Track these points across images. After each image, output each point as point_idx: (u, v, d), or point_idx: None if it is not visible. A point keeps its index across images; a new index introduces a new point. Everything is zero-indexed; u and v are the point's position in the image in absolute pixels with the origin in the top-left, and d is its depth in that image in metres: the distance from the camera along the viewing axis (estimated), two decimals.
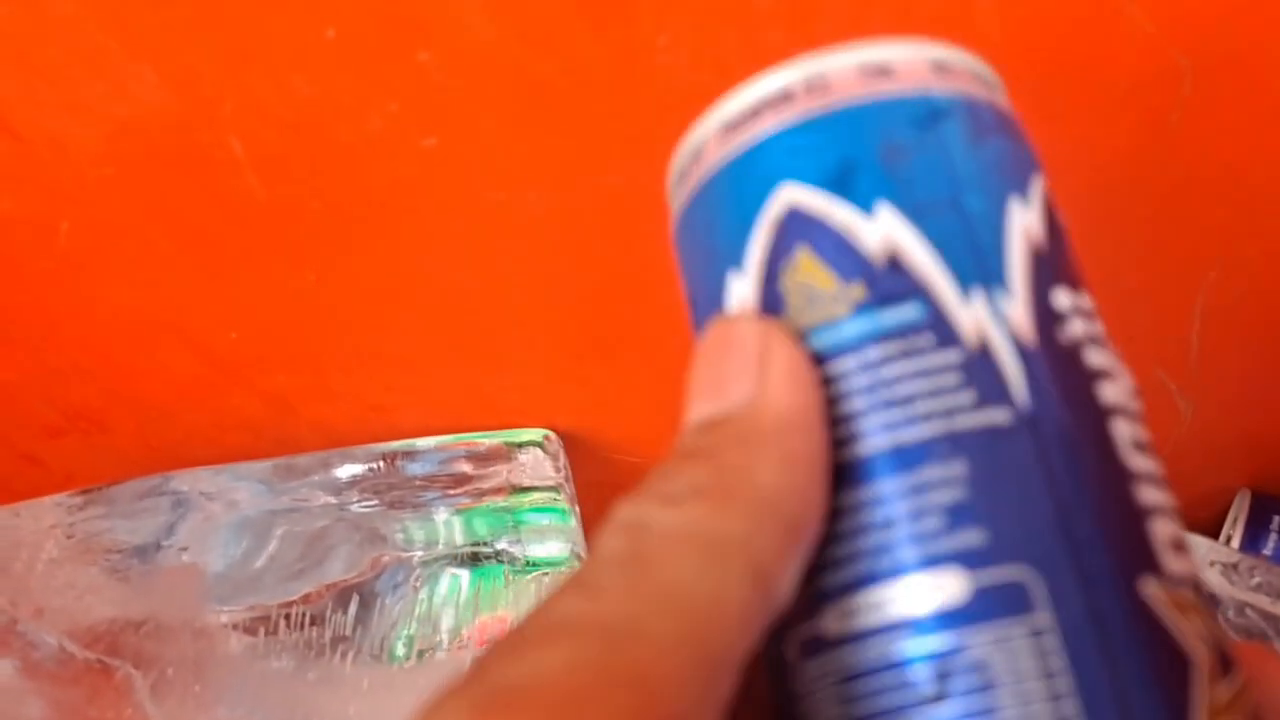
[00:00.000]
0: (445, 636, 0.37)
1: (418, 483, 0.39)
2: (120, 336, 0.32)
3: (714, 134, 0.15)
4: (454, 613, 0.37)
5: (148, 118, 0.24)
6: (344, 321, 0.32)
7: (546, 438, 0.38)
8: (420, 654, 0.37)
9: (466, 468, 0.39)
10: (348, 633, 0.36)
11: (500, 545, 0.38)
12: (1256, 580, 0.31)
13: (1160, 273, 0.31)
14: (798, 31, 0.24)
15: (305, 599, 0.37)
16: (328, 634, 0.36)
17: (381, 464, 0.38)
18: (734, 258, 0.15)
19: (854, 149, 0.14)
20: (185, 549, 0.37)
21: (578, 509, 0.37)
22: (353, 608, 0.37)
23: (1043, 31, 0.25)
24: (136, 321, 0.32)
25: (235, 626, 0.36)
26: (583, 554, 0.36)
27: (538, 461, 0.38)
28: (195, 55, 0.23)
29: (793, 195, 0.14)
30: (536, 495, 0.38)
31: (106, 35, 0.22)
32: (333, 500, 0.38)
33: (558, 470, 0.37)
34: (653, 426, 0.38)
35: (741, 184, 0.15)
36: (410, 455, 0.38)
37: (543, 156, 0.26)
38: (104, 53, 0.23)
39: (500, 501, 0.38)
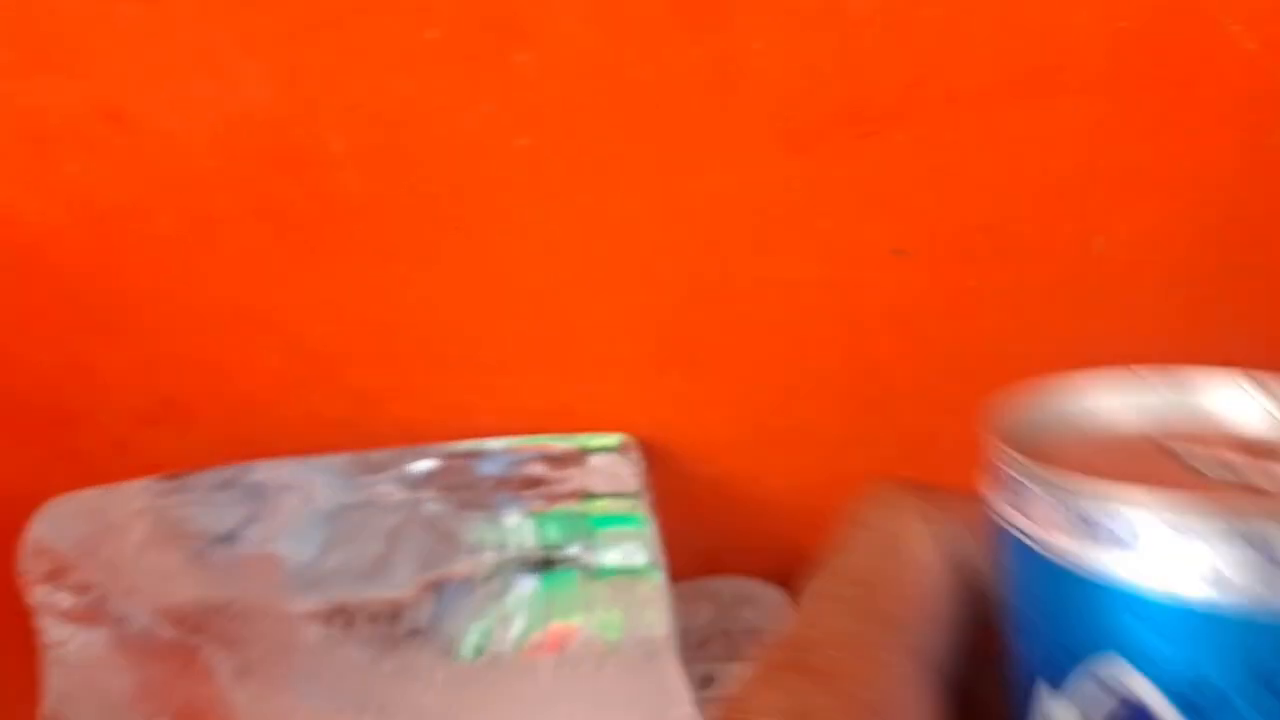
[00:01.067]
0: (515, 639, 0.37)
1: (489, 484, 0.39)
2: (214, 328, 0.33)
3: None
4: (525, 617, 0.38)
5: (253, 113, 0.25)
6: (429, 319, 0.33)
7: (624, 443, 0.38)
8: (490, 655, 0.37)
9: (540, 470, 0.39)
10: (422, 627, 0.37)
11: (572, 550, 0.38)
12: None
13: (1261, 295, 0.30)
14: (893, 35, 0.24)
15: (380, 595, 0.38)
16: (402, 629, 0.37)
17: (454, 462, 0.39)
18: (1055, 672, 0.13)
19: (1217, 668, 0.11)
20: (265, 539, 0.37)
21: (653, 515, 0.37)
22: (426, 605, 0.37)
23: (1144, 49, 0.25)
24: (231, 313, 0.32)
25: (313, 616, 0.37)
26: (659, 562, 0.36)
27: (615, 467, 0.38)
28: (301, 54, 0.24)
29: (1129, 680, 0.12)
30: (612, 501, 0.38)
31: (220, 33, 0.23)
32: (407, 497, 0.39)
33: (635, 476, 0.37)
34: (732, 436, 0.38)
35: (1091, 609, 0.12)
36: (482, 455, 0.39)
37: (636, 160, 0.26)
38: (217, 50, 0.23)
39: (574, 506, 0.39)
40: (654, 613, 0.35)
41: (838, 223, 0.28)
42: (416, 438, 0.38)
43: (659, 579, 0.35)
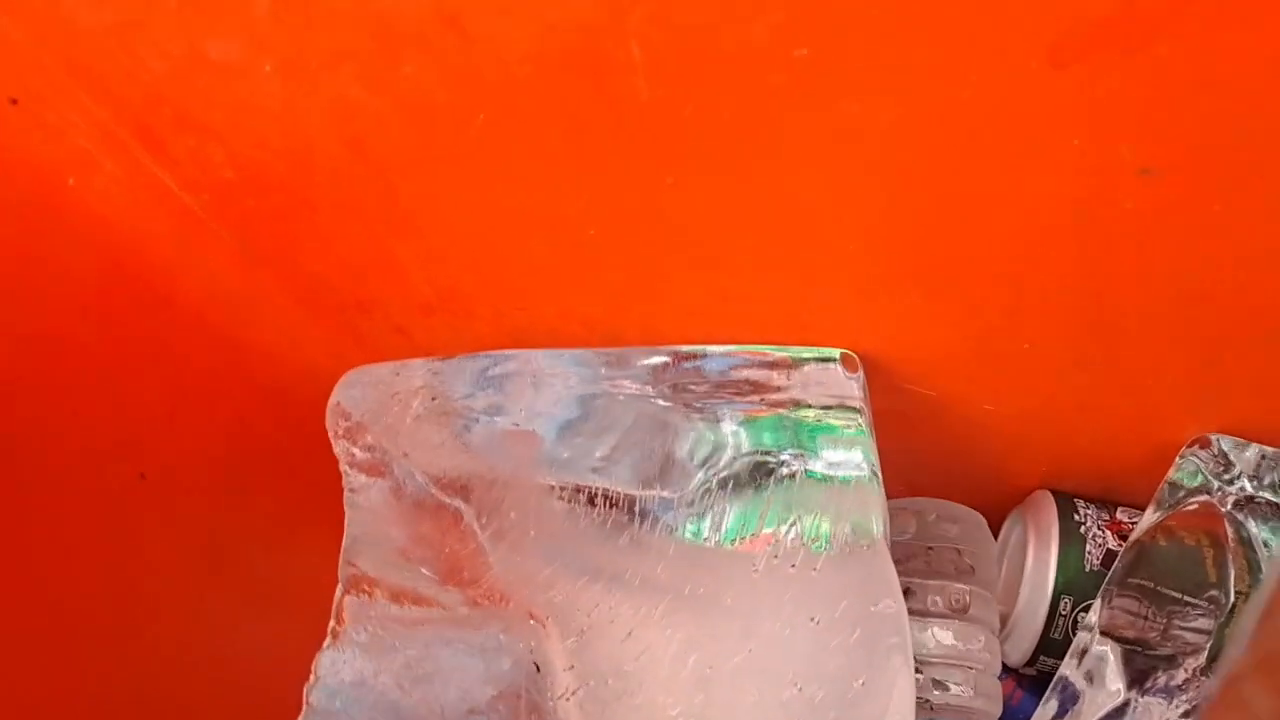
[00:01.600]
0: (732, 534, 0.40)
1: (708, 386, 0.42)
2: (499, 225, 0.38)
3: None
4: (740, 514, 0.41)
5: (568, 20, 0.29)
6: (687, 225, 0.36)
7: (846, 355, 0.41)
8: (711, 544, 0.40)
9: (758, 376, 0.42)
10: (650, 512, 0.41)
11: (786, 456, 0.41)
12: None
13: None
14: None
15: (611, 486, 0.42)
16: (636, 509, 0.41)
17: (680, 363, 0.42)
18: None
19: None
20: (520, 419, 0.42)
21: (870, 423, 0.40)
22: (652, 497, 0.41)
23: None
24: (515, 212, 0.37)
25: (559, 491, 0.42)
26: (877, 470, 0.39)
27: (834, 378, 0.41)
28: None
29: None
30: (830, 413, 0.40)
31: None
32: (639, 392, 0.43)
33: (857, 388, 0.40)
34: (951, 356, 0.40)
35: None
36: (705, 358, 0.42)
37: (897, 71, 0.28)
38: None
39: (791, 413, 0.41)
40: (869, 515, 0.38)
41: (1088, 140, 0.29)
42: (658, 339, 0.42)
43: (876, 486, 0.38)
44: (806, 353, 0.41)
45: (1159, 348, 0.36)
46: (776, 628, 0.37)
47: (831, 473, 0.39)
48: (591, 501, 0.41)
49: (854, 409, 0.40)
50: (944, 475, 0.46)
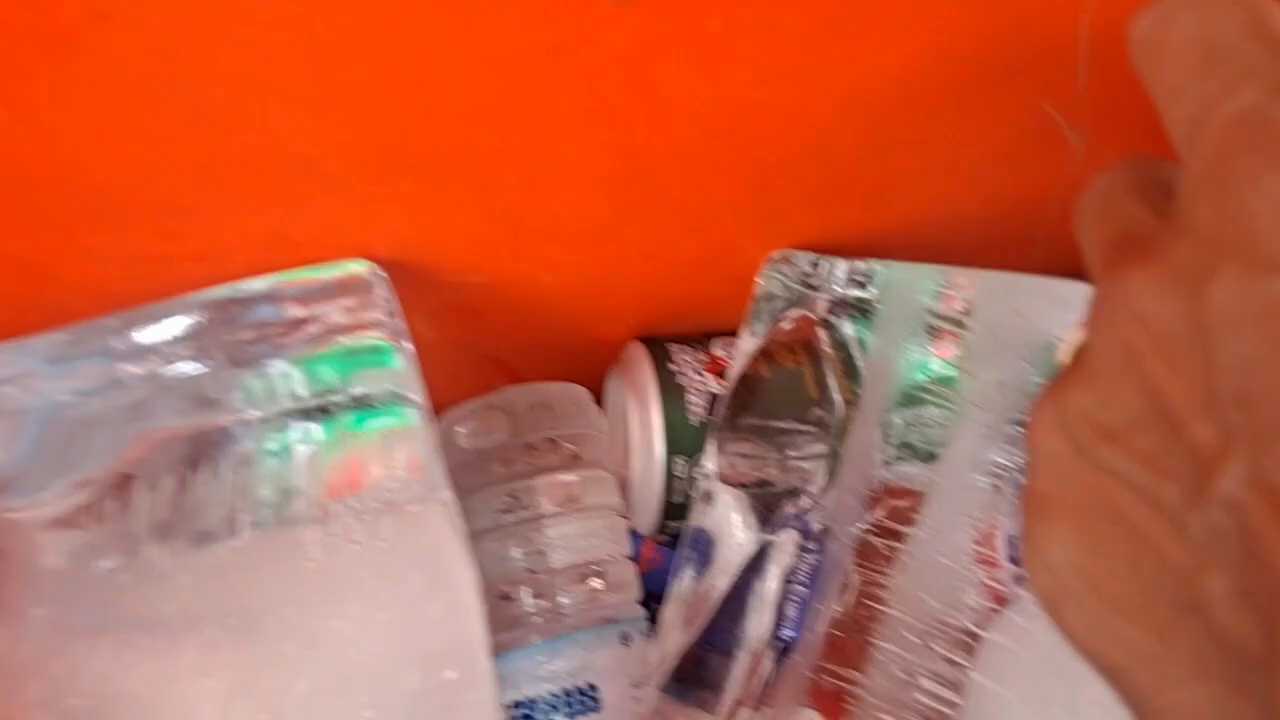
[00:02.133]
0: (301, 498, 0.33)
1: (243, 334, 0.33)
2: None
3: None
4: (306, 472, 0.33)
5: None
6: (68, 164, 0.26)
7: (369, 270, 0.32)
8: (267, 524, 0.32)
9: (295, 311, 0.33)
10: (165, 518, 0.32)
11: (348, 391, 0.33)
12: None
13: None
14: None
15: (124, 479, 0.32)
16: (146, 520, 0.32)
17: (199, 317, 0.33)
18: None
19: None
20: None
21: (409, 345, 0.32)
22: (188, 479, 0.32)
23: None
24: None
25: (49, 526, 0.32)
26: (413, 396, 0.32)
27: (362, 297, 0.33)
28: None
29: None
30: (363, 336, 0.33)
31: None
32: (144, 369, 0.33)
33: (383, 304, 0.32)
34: (489, 240, 0.33)
35: None
36: (232, 303, 0.33)
37: None
38: None
39: (335, 345, 0.33)
40: (418, 459, 0.31)
41: None
42: (116, 302, 0.32)
43: (417, 420, 0.31)
44: (331, 271, 0.33)
45: (704, 182, 0.31)
46: (342, 633, 0.30)
47: (374, 408, 0.32)
48: (99, 518, 0.32)
49: (382, 326, 0.32)
50: (534, 358, 0.40)
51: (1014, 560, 0.34)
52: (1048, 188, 0.32)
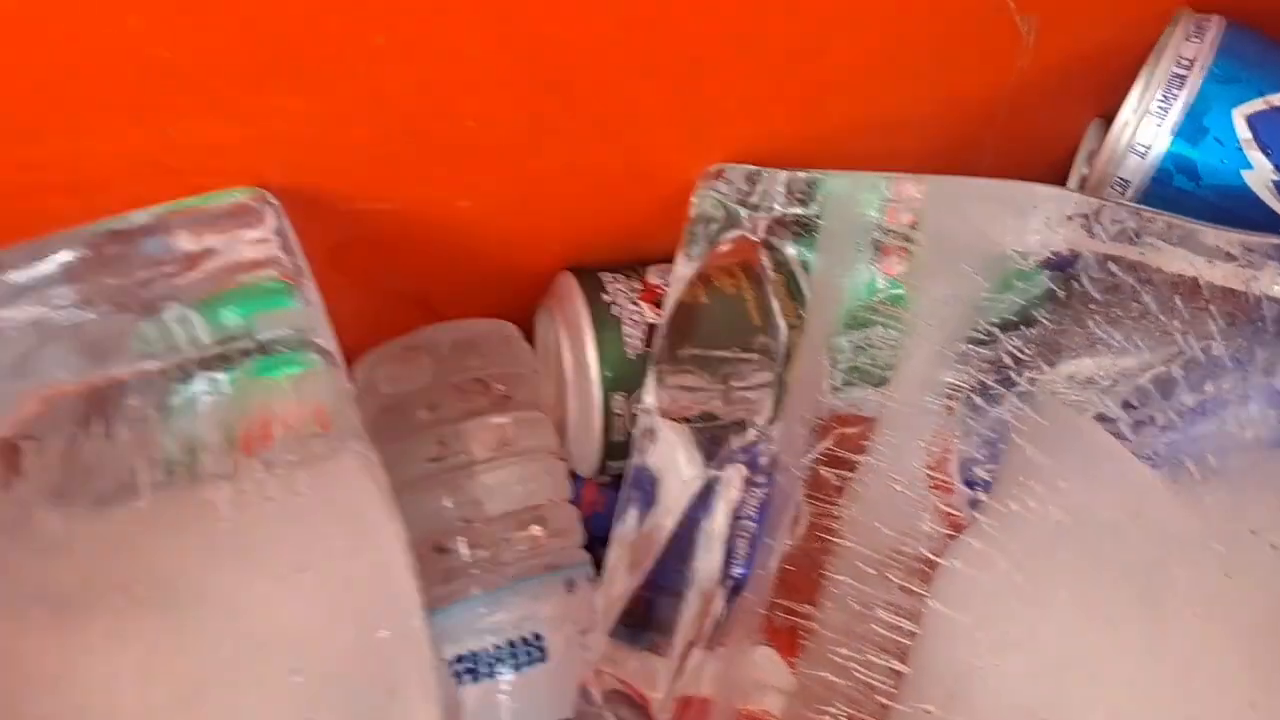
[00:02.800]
0: (209, 453, 0.30)
1: (133, 276, 0.30)
2: None
3: None
4: (210, 425, 0.30)
5: None
6: None
7: (257, 196, 0.29)
8: (172, 484, 0.30)
9: (186, 245, 0.30)
10: (64, 479, 0.29)
11: (253, 337, 0.31)
12: (1118, 228, 0.27)
13: None
14: None
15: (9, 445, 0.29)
16: (36, 486, 0.29)
17: (78, 253, 0.29)
18: None
19: None
20: None
21: (310, 282, 0.29)
22: (80, 438, 0.30)
23: None
24: None
25: None
26: (319, 340, 0.29)
27: (254, 227, 0.30)
28: None
29: None
30: (259, 273, 0.30)
31: None
32: (23, 316, 0.30)
33: (277, 237, 0.29)
34: (397, 163, 0.30)
35: None
36: (113, 238, 0.30)
37: None
38: None
39: (234, 285, 0.31)
40: (336, 399, 0.29)
41: None
42: None
43: (322, 366, 0.29)
44: (213, 201, 0.30)
45: (626, 85, 0.29)
46: (264, 596, 0.28)
47: (276, 353, 0.30)
48: None
49: (279, 263, 0.29)
50: (455, 293, 0.37)
51: (969, 484, 0.32)
52: (996, 84, 0.30)
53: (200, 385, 0.30)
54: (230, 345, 0.30)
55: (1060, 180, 0.36)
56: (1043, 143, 0.34)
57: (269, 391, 0.30)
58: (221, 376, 0.30)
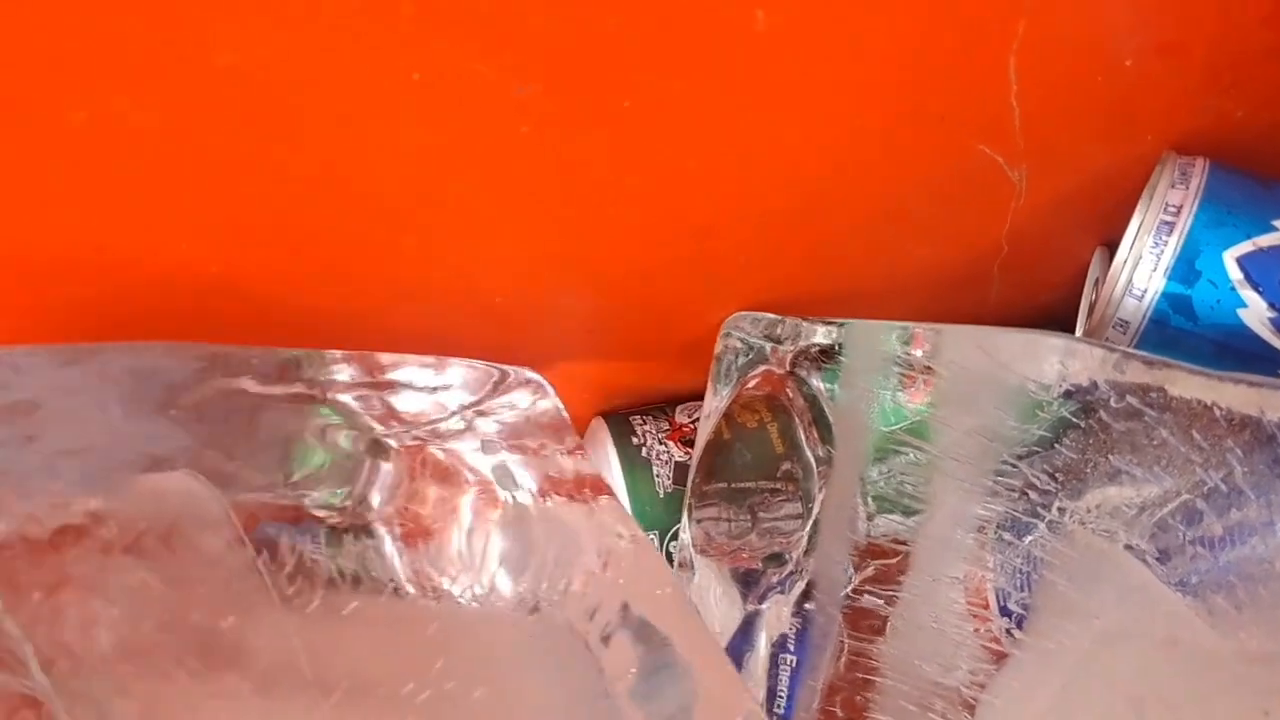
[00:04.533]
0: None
1: None
2: None
3: None
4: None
5: None
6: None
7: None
8: None
9: None
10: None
11: None
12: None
13: (967, 39, 0.25)
14: None
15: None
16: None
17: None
18: None
19: None
20: None
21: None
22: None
23: None
24: None
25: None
26: None
27: None
28: None
29: None
30: None
31: None
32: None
33: None
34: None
35: None
36: None
37: None
38: None
39: None
40: None
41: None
42: None
43: None
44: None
45: (643, 254, 0.30)
46: None
47: None
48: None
49: None
50: None
51: (1005, 613, 0.32)
52: (994, 226, 0.31)
53: None
54: None
55: (1073, 299, 0.37)
56: (1049, 268, 0.35)
57: None
58: None
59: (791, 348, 0.36)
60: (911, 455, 0.35)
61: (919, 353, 0.34)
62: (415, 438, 0.31)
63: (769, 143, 0.27)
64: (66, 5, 0.18)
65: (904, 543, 0.34)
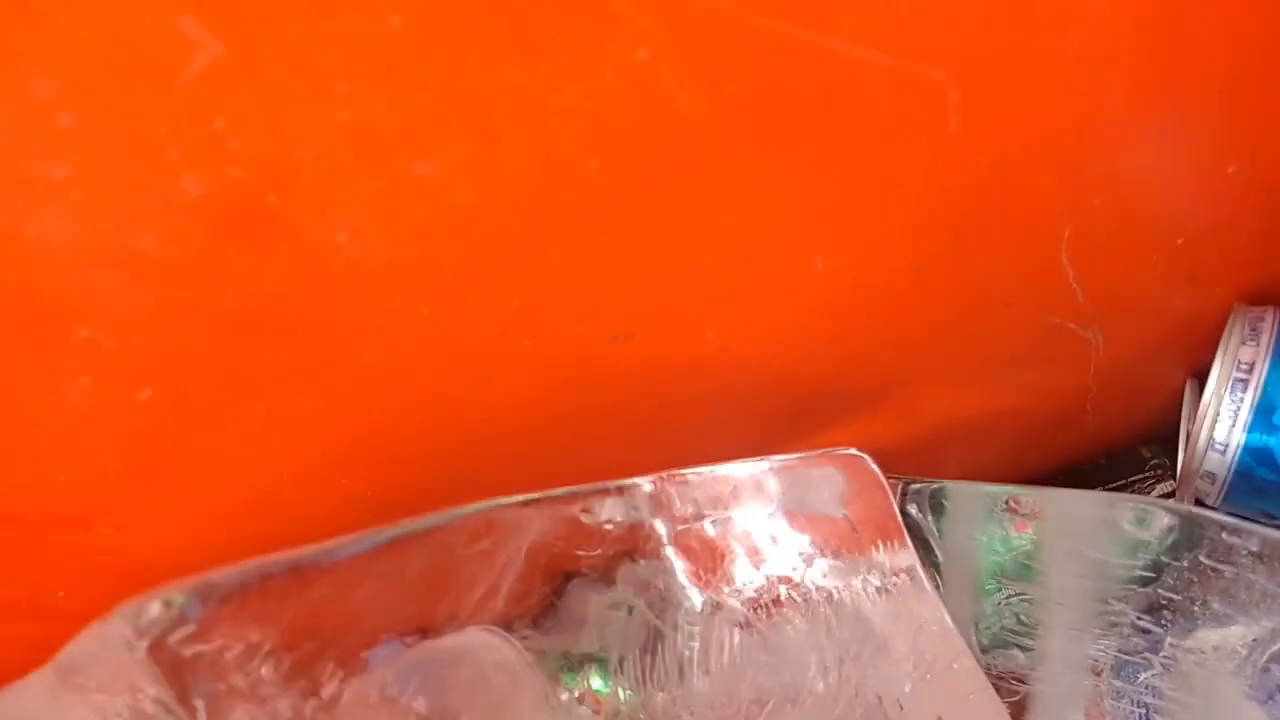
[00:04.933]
0: None
1: None
2: None
3: None
4: None
5: None
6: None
7: None
8: None
9: None
10: None
11: None
12: None
13: (1019, 240, 0.27)
14: None
15: None
16: None
17: None
18: None
19: None
20: None
21: None
22: None
23: None
24: None
25: None
26: None
27: None
28: None
29: None
30: None
31: None
32: None
33: None
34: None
35: None
36: None
37: None
38: None
39: None
40: None
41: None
42: None
43: None
44: None
45: (734, 427, 0.32)
46: None
47: None
48: None
49: None
50: None
51: None
52: (1078, 377, 0.32)
53: None
54: None
55: (1171, 418, 0.38)
56: (1142, 399, 0.36)
57: None
58: None
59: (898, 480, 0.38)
60: (1022, 589, 0.35)
61: (1020, 504, 0.35)
62: None
63: (854, 323, 0.29)
64: None
65: (1020, 670, 0.35)
